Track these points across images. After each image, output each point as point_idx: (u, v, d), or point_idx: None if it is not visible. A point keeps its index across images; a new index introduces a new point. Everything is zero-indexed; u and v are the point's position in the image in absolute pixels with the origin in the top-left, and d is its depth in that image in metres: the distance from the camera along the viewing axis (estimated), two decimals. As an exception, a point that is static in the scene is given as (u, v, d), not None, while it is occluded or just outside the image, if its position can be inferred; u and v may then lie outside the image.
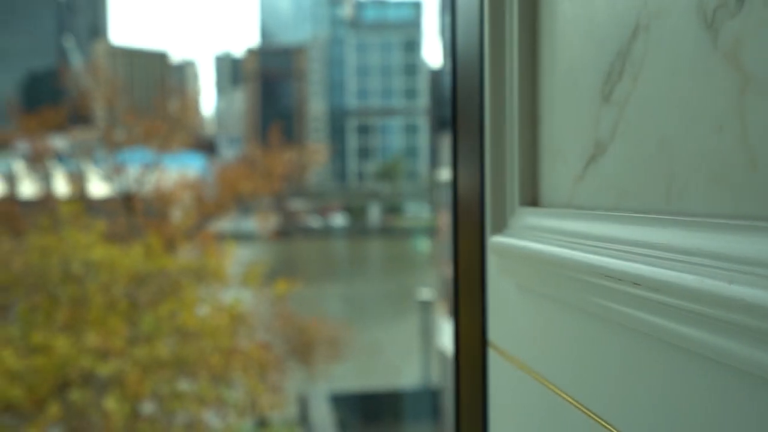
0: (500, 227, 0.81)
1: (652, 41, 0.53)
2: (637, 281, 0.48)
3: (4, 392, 5.21)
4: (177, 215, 15.20)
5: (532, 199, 0.78)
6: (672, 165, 0.50)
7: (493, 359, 0.93)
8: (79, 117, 16.85)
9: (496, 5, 0.81)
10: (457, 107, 1.07)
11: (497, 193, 0.82)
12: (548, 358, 0.75)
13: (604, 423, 0.61)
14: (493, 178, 0.83)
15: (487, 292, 0.94)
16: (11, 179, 17.16)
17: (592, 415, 0.64)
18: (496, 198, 0.82)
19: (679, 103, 0.49)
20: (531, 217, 0.75)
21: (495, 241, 0.81)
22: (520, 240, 0.74)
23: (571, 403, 0.68)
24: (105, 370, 6.00)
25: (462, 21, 1.03)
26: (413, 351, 28.04)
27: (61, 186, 17.18)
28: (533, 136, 0.77)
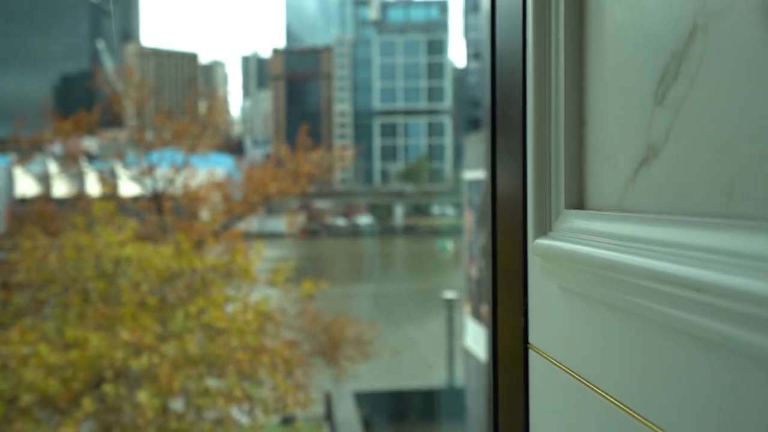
0: (544, 230, 0.81)
1: (711, 42, 0.52)
2: (698, 286, 0.47)
3: (41, 386, 5.34)
4: (205, 215, 15.39)
5: (578, 202, 0.77)
6: (733, 168, 0.50)
7: (535, 361, 0.92)
8: (111, 119, 17.15)
9: (540, 7, 0.80)
10: (497, 108, 1.07)
11: (541, 195, 0.82)
12: (592, 361, 0.74)
13: (653, 426, 0.60)
14: (537, 181, 0.82)
15: (529, 295, 0.94)
16: (45, 179, 17.55)
17: (640, 418, 0.63)
18: (539, 201, 0.82)
19: (741, 105, 0.49)
20: (577, 220, 0.75)
21: (539, 243, 0.80)
22: (566, 243, 0.74)
23: (617, 405, 0.68)
24: (138, 365, 6.11)
25: (503, 22, 1.02)
26: (438, 350, 27.98)
27: (93, 186, 17.52)
28: (579, 138, 0.76)
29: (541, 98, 0.81)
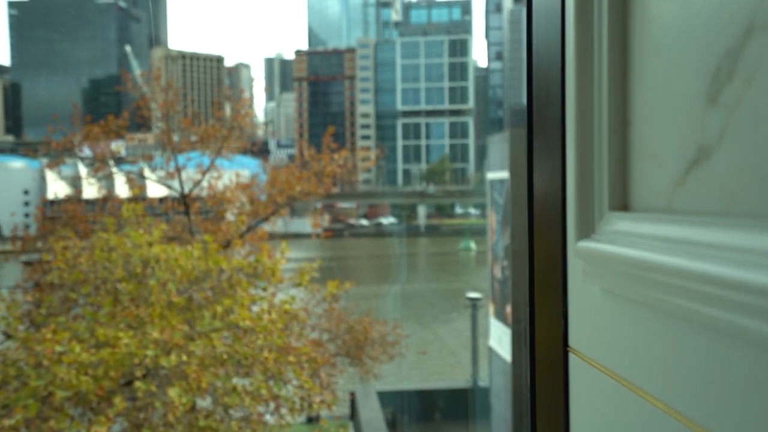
0: (587, 232, 0.80)
1: None
2: (752, 290, 0.47)
3: (74, 383, 5.44)
4: (232, 216, 15.54)
5: (622, 203, 0.76)
6: (791, 170, 0.49)
7: (575, 365, 0.91)
8: (139, 122, 17.41)
9: (582, 5, 0.80)
10: (533, 108, 1.06)
11: (584, 197, 0.81)
12: (638, 365, 0.74)
13: (699, 429, 0.60)
14: (579, 183, 0.82)
15: (569, 298, 0.93)
16: (76, 182, 17.87)
17: (689, 423, 0.62)
18: (582, 202, 0.81)
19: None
20: (622, 222, 0.74)
21: (582, 246, 0.80)
22: (611, 245, 0.73)
23: (664, 410, 0.67)
24: (167, 363, 6.19)
25: (540, 21, 1.02)
26: (462, 350, 27.86)
27: (121, 188, 17.80)
28: (623, 139, 0.76)
29: (583, 98, 0.80)
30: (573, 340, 0.92)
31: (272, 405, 7.85)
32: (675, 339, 0.64)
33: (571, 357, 0.92)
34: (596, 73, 0.78)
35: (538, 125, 1.03)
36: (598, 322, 0.83)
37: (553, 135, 0.96)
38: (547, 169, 0.99)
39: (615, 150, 0.75)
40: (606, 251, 0.74)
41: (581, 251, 0.80)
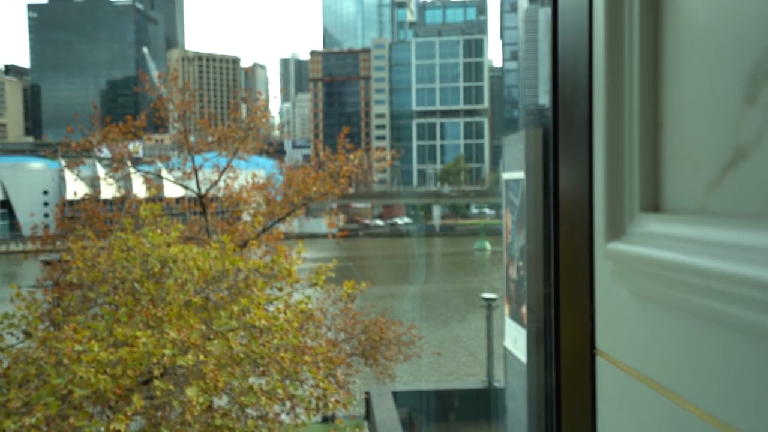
0: (617, 234, 0.80)
1: None
2: None
3: (93, 382, 5.50)
4: (248, 216, 15.62)
5: (653, 205, 0.76)
6: (835, 171, 0.48)
7: (603, 367, 0.91)
8: (157, 122, 17.55)
9: (613, 9, 0.79)
10: (559, 109, 1.06)
11: (613, 199, 0.80)
12: (668, 367, 0.73)
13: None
14: (609, 184, 0.81)
15: (596, 300, 0.92)
16: (94, 182, 18.06)
17: (721, 425, 0.62)
18: (612, 204, 0.81)
19: None
20: (654, 224, 0.73)
21: (612, 248, 0.79)
22: (643, 247, 0.73)
23: (693, 411, 0.66)
24: (185, 362, 6.24)
25: (566, 22, 1.01)
26: (477, 350, 27.77)
27: (139, 188, 17.96)
28: (655, 140, 0.75)
29: (612, 99, 0.80)
30: (600, 342, 0.91)
31: (288, 404, 7.87)
32: (708, 342, 0.64)
33: (598, 359, 0.92)
34: (626, 74, 0.77)
35: (564, 125, 1.02)
36: (627, 325, 0.82)
37: (579, 135, 0.95)
38: (573, 169, 0.98)
39: (646, 151, 0.75)
40: (637, 253, 0.73)
41: (611, 253, 0.80)
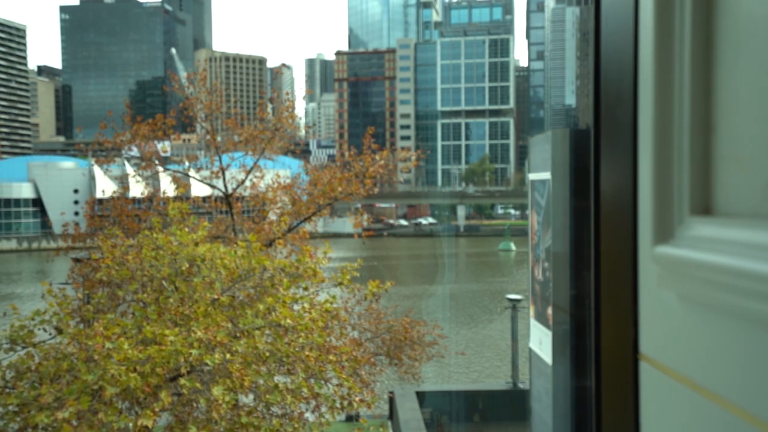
0: (666, 237, 0.78)
1: None
2: None
3: (123, 379, 5.59)
4: (274, 215, 15.73)
5: (704, 208, 0.74)
6: None
7: (647, 372, 0.89)
8: (185, 122, 17.77)
9: (663, 6, 0.77)
10: (601, 110, 1.03)
11: (661, 202, 0.78)
12: (716, 372, 0.71)
13: None
14: (657, 187, 0.79)
15: (640, 304, 0.90)
16: (123, 180, 18.35)
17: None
18: (660, 207, 0.79)
19: None
20: (705, 228, 0.71)
21: (660, 251, 0.77)
22: (693, 251, 0.71)
23: (743, 417, 0.64)
24: (212, 361, 6.30)
25: (610, 22, 0.99)
26: (502, 350, 27.59)
27: (166, 186, 18.20)
28: (706, 142, 0.73)
29: (661, 100, 0.78)
30: (644, 347, 0.89)
31: (313, 403, 7.91)
32: (761, 347, 0.62)
33: (642, 364, 0.90)
34: (676, 74, 0.75)
35: (606, 126, 1.00)
36: (674, 330, 0.80)
37: (622, 136, 0.93)
38: (615, 170, 0.96)
39: (697, 153, 0.73)
40: (687, 257, 0.71)
41: (658, 256, 0.78)
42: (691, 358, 0.77)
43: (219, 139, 16.22)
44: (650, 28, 0.80)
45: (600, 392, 1.03)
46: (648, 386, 0.89)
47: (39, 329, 7.84)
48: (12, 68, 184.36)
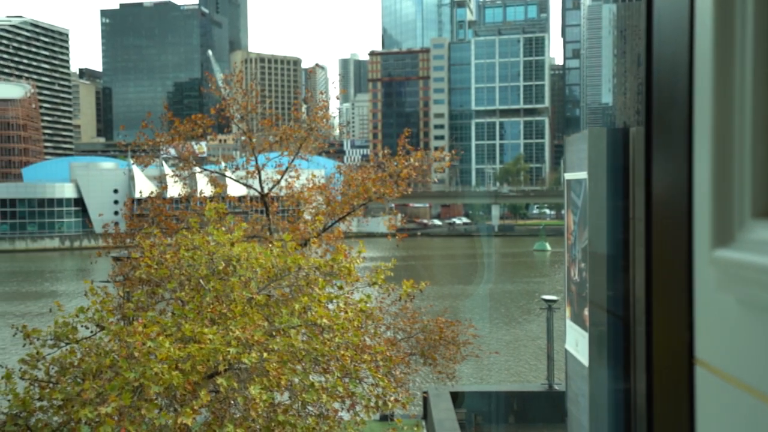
0: (725, 240, 0.75)
1: None
2: None
3: (166, 378, 5.70)
4: (309, 215, 15.84)
5: (766, 210, 0.71)
6: None
7: (703, 377, 0.86)
8: (221, 123, 18.03)
9: (722, 5, 0.74)
10: (653, 109, 1.01)
11: (721, 204, 0.76)
12: None
13: None
14: (715, 189, 0.77)
15: (696, 308, 0.88)
16: (161, 180, 18.71)
17: None
18: (719, 209, 0.76)
19: None
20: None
21: (720, 255, 0.75)
22: (756, 255, 0.68)
23: None
24: (249, 360, 6.37)
25: (663, 20, 0.96)
26: (538, 352, 27.31)
27: (203, 186, 18.49)
28: (770, 141, 0.70)
29: (721, 100, 0.75)
30: (700, 351, 0.87)
31: (348, 402, 7.93)
32: None
33: (698, 369, 0.87)
34: (737, 73, 0.73)
35: (659, 126, 0.98)
36: (734, 334, 0.78)
37: (676, 136, 0.91)
38: (669, 171, 0.93)
39: (760, 154, 0.70)
40: (749, 261, 0.69)
41: (717, 260, 0.75)
42: (751, 363, 0.74)
43: (254, 139, 16.42)
44: (709, 25, 0.77)
45: (652, 396, 1.01)
46: (704, 391, 0.87)
47: (81, 326, 8.04)
48: (55, 71, 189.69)
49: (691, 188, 0.85)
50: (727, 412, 0.80)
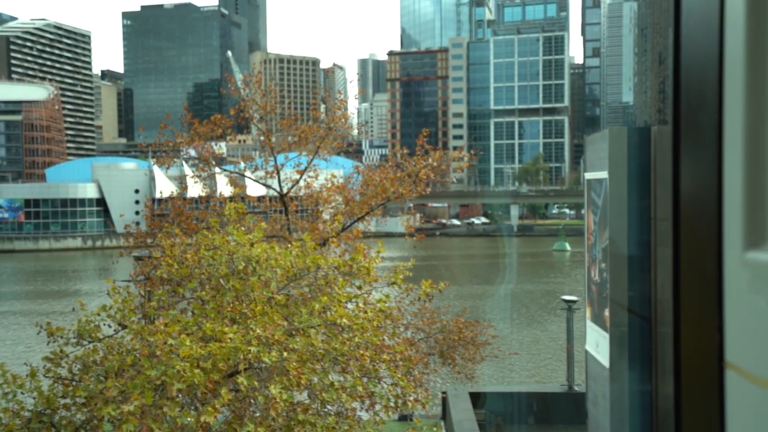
0: (758, 242, 0.74)
1: None
2: None
3: (188, 376, 5.75)
4: (328, 215, 15.89)
5: (800, 211, 0.69)
6: None
7: (733, 380, 0.85)
8: (241, 123, 18.16)
9: (754, 5, 0.73)
10: (681, 110, 0.99)
11: (753, 205, 0.74)
12: None
13: None
14: (748, 190, 0.75)
15: (725, 310, 0.86)
16: (181, 181, 18.88)
17: None
18: (751, 211, 0.75)
19: None
20: (804, 232, 0.67)
21: (753, 257, 0.73)
22: None
23: None
24: (269, 360, 6.41)
25: (692, 19, 0.95)
26: (557, 352, 27.09)
27: (223, 186, 18.63)
28: (805, 142, 0.69)
29: (754, 99, 0.74)
30: (730, 354, 0.85)
31: (367, 402, 7.94)
32: None
33: (728, 372, 0.86)
34: None
35: (687, 126, 0.96)
36: (765, 337, 0.76)
37: (707, 136, 0.89)
38: (698, 172, 0.92)
39: (794, 154, 0.69)
40: None
41: (750, 262, 0.74)
42: None
43: (273, 139, 16.49)
44: (740, 23, 0.76)
45: (680, 400, 0.99)
46: (734, 394, 0.85)
47: (104, 325, 8.14)
48: (78, 73, 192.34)
49: (721, 189, 0.84)
50: (758, 417, 0.78)
